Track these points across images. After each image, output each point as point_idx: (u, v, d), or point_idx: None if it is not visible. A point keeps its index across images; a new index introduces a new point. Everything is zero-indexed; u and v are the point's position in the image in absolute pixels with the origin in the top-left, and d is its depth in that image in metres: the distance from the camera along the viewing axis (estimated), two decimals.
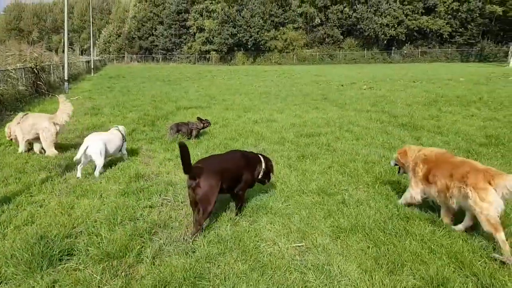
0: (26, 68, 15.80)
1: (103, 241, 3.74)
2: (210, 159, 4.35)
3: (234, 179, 4.24)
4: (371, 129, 8.78)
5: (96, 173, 5.80)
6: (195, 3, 72.31)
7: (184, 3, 72.03)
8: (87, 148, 5.70)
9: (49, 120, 7.08)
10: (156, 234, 3.94)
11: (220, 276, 3.24)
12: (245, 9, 66.36)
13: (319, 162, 6.24)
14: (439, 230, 3.90)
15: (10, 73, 13.60)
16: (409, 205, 4.43)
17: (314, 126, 9.24)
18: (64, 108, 7.24)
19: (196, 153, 6.77)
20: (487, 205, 3.52)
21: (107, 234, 3.88)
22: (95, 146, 5.80)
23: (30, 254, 3.40)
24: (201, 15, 71.35)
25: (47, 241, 3.66)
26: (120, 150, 6.48)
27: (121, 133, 6.49)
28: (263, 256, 3.52)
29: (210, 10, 70.47)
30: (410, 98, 14.26)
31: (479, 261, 3.39)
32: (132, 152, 6.98)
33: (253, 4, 66.33)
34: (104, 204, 4.67)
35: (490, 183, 3.54)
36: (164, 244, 3.74)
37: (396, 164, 4.77)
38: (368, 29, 62.89)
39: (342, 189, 5.08)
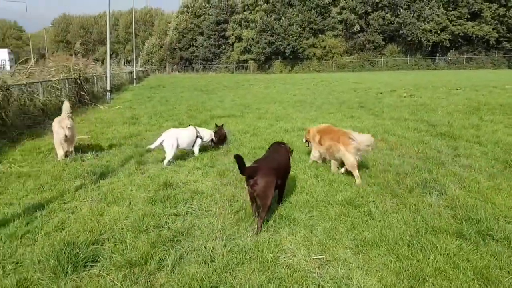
0: (70, 79, 16.60)
1: (127, 248, 3.83)
2: (265, 159, 4.73)
3: (285, 173, 4.84)
4: (407, 138, 8.51)
5: (165, 163, 6.75)
6: (234, 14, 73.49)
7: (223, 14, 73.36)
8: (163, 141, 6.81)
9: (58, 123, 7.37)
10: (178, 242, 4.00)
11: (236, 286, 3.23)
12: (283, 18, 66.59)
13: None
14: (466, 245, 3.72)
15: (53, 84, 14.31)
16: (316, 162, 6.63)
17: None
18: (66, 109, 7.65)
19: (224, 162, 6.84)
20: (349, 155, 5.73)
21: (132, 241, 3.98)
22: (169, 140, 6.83)
23: (56, 260, 3.52)
24: (240, 25, 72.34)
25: (74, 247, 3.79)
26: (193, 146, 7.34)
27: (196, 131, 7.39)
28: (282, 268, 3.48)
29: (249, 19, 71.32)
30: (452, 106, 13.72)
31: (506, 277, 3.19)
32: (163, 160, 7.14)
33: (291, 12, 66.43)
34: (132, 212, 4.79)
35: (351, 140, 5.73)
36: (185, 252, 3.79)
37: (306, 141, 6.94)
38: (411, 34, 61.23)
39: (370, 200, 4.95)
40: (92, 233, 4.20)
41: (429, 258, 3.53)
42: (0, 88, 9.52)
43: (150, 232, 4.21)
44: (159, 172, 6.39)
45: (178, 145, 6.95)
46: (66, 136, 7.20)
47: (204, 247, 3.87)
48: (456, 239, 3.87)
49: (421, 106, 13.96)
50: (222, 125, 8.20)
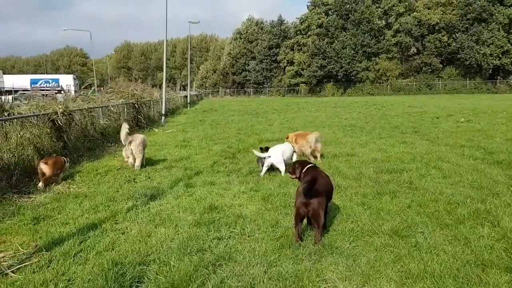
0: (128, 103, 17.58)
1: (171, 270, 3.93)
2: (318, 180, 4.76)
3: (329, 196, 4.97)
4: (461, 166, 8.09)
5: (283, 174, 7.76)
6: (286, 38, 74.64)
7: (275, 39, 74.78)
8: (269, 157, 7.86)
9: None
10: (220, 267, 4.04)
11: None
12: (336, 41, 66.63)
13: (397, 201, 5.90)
14: None
15: (111, 109, 15.21)
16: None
17: (398, 162, 8.80)
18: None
19: (270, 187, 6.87)
20: (306, 147, 9.19)
21: (176, 263, 4.07)
22: (277, 157, 7.89)
23: (105, 279, 3.69)
24: (292, 49, 73.25)
25: (121, 267, 3.95)
26: (291, 159, 8.18)
27: (292, 147, 8.59)
28: None
29: (301, 43, 72.07)
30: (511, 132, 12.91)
31: None
32: (211, 184, 7.31)
33: (345, 36, 66.35)
34: (178, 234, 4.92)
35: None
36: (226, 277, 3.81)
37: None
38: (469, 58, 58.72)
39: (418, 231, 4.72)
40: (139, 254, 4.36)
41: None
42: (63, 113, 10.24)
43: (193, 255, 4.30)
44: (206, 195, 6.54)
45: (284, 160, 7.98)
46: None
47: (245, 272, 3.88)
48: (507, 274, 3.61)
49: (478, 132, 13.25)
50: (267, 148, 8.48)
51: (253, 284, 3.66)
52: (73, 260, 4.23)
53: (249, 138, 13.43)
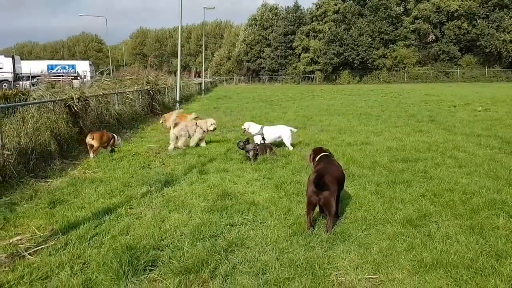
0: (143, 90, 17.68)
1: (184, 255, 3.97)
2: (325, 169, 4.79)
3: (341, 184, 4.90)
4: (477, 156, 7.95)
5: (291, 148, 9.01)
6: (302, 25, 73.68)
7: (291, 25, 73.91)
8: (279, 136, 9.14)
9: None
10: (232, 252, 4.07)
11: None
12: (353, 28, 65.59)
13: (411, 190, 5.83)
14: None
15: (128, 95, 15.32)
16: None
17: (413, 151, 8.68)
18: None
19: (282, 175, 6.87)
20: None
21: (189, 248, 4.12)
22: (286, 134, 9.11)
23: (119, 263, 3.75)
24: (307, 36, 72.33)
25: (136, 251, 4.00)
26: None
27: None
28: (333, 286, 3.42)
29: (317, 30, 71.10)
30: None
31: None
32: (224, 171, 7.34)
33: (362, 22, 65.27)
34: (191, 219, 4.97)
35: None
36: (238, 263, 3.84)
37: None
38: (489, 45, 57.23)
39: (432, 220, 4.68)
40: (153, 238, 4.42)
41: (489, 283, 3.30)
42: (79, 99, 10.35)
43: (206, 240, 4.34)
44: (219, 182, 6.57)
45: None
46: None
47: (257, 258, 3.90)
48: None
49: (496, 121, 12.98)
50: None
51: (265, 270, 3.68)
52: (89, 243, 4.32)
53: None
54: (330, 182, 4.47)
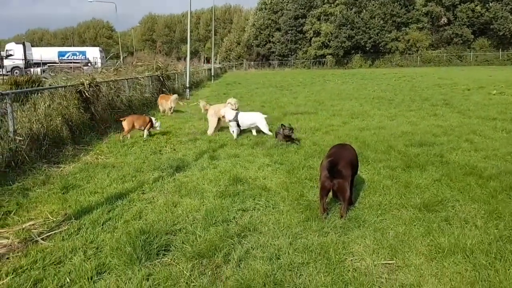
0: (153, 76, 17.62)
1: (197, 240, 3.95)
2: (339, 154, 4.68)
3: (355, 169, 4.81)
4: (495, 139, 7.77)
5: (269, 133, 8.87)
6: (313, 8, 72.46)
7: (301, 9, 72.69)
8: (254, 122, 9.03)
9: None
10: (245, 237, 4.03)
11: (299, 286, 3.18)
12: (364, 11, 64.44)
13: (426, 175, 5.72)
14: None
15: (139, 81, 15.29)
16: None
17: (429, 135, 8.51)
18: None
19: (294, 160, 6.79)
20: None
21: (202, 233, 4.09)
22: (263, 121, 8.99)
23: (133, 247, 3.73)
24: (319, 19, 71.17)
25: (149, 235, 3.98)
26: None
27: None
28: (348, 271, 3.35)
29: (328, 13, 69.92)
30: None
31: None
32: (235, 156, 7.28)
33: (373, 5, 64.06)
34: (203, 205, 4.93)
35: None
36: (251, 248, 3.80)
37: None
38: (502, 28, 55.89)
39: (448, 205, 4.57)
40: (166, 223, 4.40)
41: (509, 269, 3.21)
42: (90, 85, 10.33)
43: (218, 225, 4.30)
44: (230, 168, 6.51)
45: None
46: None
47: (270, 244, 3.86)
48: None
49: (511, 105, 12.67)
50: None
51: (278, 255, 3.63)
52: (102, 228, 4.31)
53: (274, 111, 13.27)
54: (343, 167, 4.38)
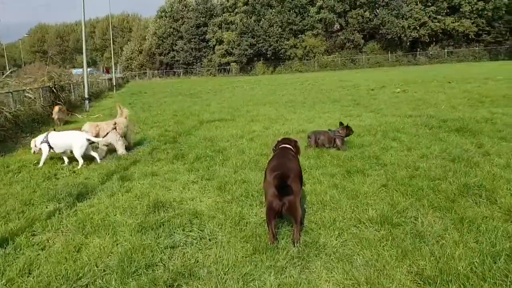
0: (45, 87, 15.42)
1: None
2: (283, 166, 3.88)
3: (301, 180, 4.06)
4: (421, 136, 7.68)
5: (80, 161, 7.08)
6: (214, 16, 72.37)
7: (202, 17, 72.18)
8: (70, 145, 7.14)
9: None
10: None
11: None
12: (263, 19, 65.93)
13: (370, 180, 5.22)
14: None
15: (27, 93, 13.15)
16: None
17: (353, 136, 8.20)
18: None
19: (223, 174, 5.88)
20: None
21: None
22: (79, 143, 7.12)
23: None
24: (220, 28, 71.28)
25: None
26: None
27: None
28: None
29: (229, 22, 70.37)
30: (452, 99, 13.04)
31: None
32: (152, 175, 6.15)
33: (271, 13, 65.87)
34: (118, 245, 3.81)
35: None
36: None
37: None
38: (390, 32, 61.34)
39: (410, 216, 4.02)
40: (66, 278, 3.25)
41: None
42: None
43: (141, 274, 3.25)
44: (148, 190, 5.38)
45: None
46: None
47: None
48: None
49: (419, 101, 13.26)
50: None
51: None
52: None
53: (188, 119, 12.23)
54: (292, 182, 3.59)
